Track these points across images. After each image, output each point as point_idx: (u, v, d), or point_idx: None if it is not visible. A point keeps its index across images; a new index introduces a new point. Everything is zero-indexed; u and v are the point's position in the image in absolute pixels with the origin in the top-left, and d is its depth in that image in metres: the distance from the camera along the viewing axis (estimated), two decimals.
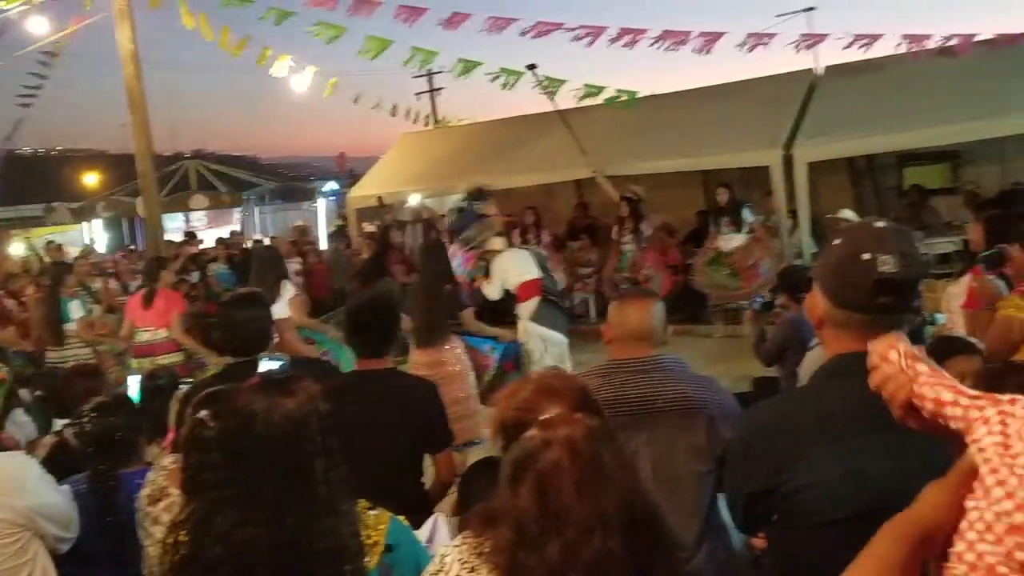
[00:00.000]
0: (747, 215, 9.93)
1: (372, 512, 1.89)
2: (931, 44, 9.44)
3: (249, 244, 14.81)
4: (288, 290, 5.92)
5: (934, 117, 9.11)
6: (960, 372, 2.89)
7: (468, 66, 10.22)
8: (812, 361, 3.40)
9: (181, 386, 4.50)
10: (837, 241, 1.76)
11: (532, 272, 7.31)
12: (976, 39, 9.44)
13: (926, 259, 9.52)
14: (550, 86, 10.63)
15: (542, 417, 1.53)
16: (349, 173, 21.25)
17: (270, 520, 1.65)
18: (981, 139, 9.44)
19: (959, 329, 4.30)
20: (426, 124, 16.75)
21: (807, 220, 9.73)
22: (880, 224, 1.74)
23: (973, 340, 3.44)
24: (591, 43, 9.39)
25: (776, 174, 9.79)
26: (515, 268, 7.33)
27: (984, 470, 1.29)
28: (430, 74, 26.29)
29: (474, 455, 4.72)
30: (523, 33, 9.48)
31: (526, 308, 7.15)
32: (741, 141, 10.08)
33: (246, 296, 3.52)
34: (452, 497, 3.15)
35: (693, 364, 2.87)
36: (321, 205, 22.42)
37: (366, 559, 1.78)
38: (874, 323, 1.68)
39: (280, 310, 5.51)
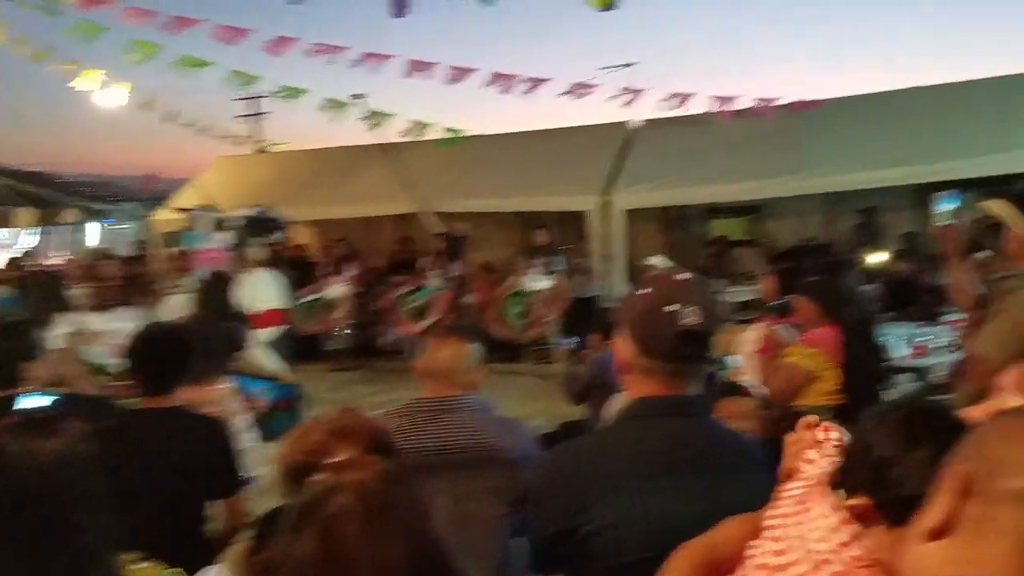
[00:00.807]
0: (558, 263, 10.19)
1: (142, 565, 1.73)
2: (738, 106, 10.10)
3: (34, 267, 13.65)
4: (63, 322, 5.44)
5: (739, 173, 9.71)
6: (730, 411, 3.13)
7: (292, 92, 9.97)
8: (618, 404, 3.47)
9: None
10: (643, 291, 1.81)
11: (278, 301, 7.19)
12: (777, 103, 10.18)
13: (727, 307, 10.11)
14: (376, 118, 10.55)
15: (332, 460, 1.47)
16: (158, 194, 20.10)
17: (27, 573, 1.50)
18: (779, 196, 10.16)
19: (750, 373, 4.49)
20: (242, 146, 16.22)
21: (622, 265, 10.07)
22: (684, 276, 1.81)
23: (750, 384, 3.66)
24: (421, 77, 9.38)
25: (594, 219, 10.10)
26: (265, 291, 7.18)
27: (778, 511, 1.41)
28: (254, 98, 25.52)
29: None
30: (355, 64, 9.34)
31: (264, 335, 7.03)
32: (562, 185, 10.37)
33: (6, 326, 3.20)
34: (240, 546, 2.95)
35: (508, 404, 2.86)
36: (94, 228, 20.91)
37: None
38: (677, 372, 1.77)
39: (56, 340, 5.07)
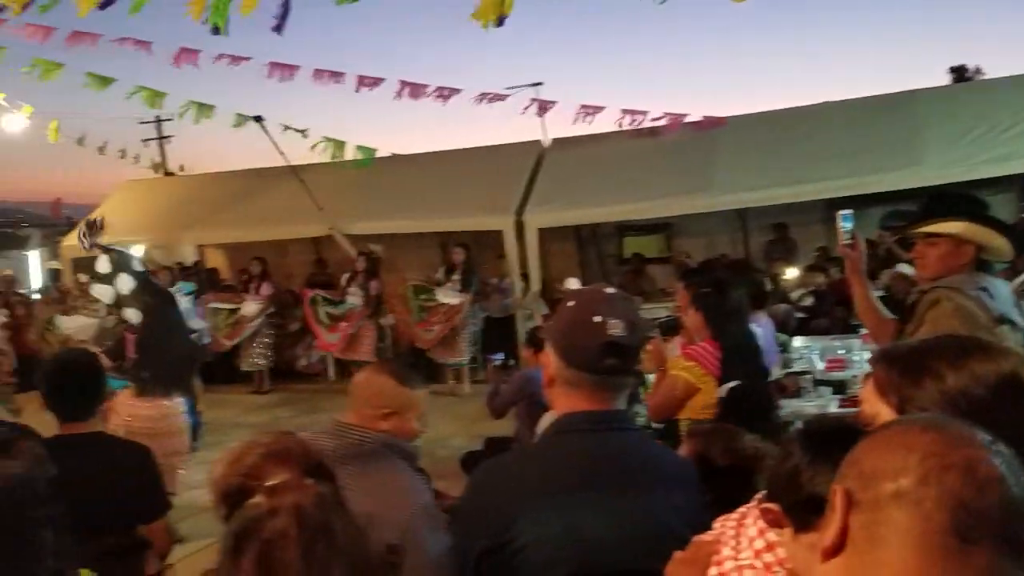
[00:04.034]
0: (471, 283, 10.24)
1: None
2: (647, 121, 10.26)
3: None
4: None
5: (649, 191, 9.87)
6: None
7: (200, 109, 9.73)
8: (549, 419, 3.48)
9: None
10: (570, 303, 1.82)
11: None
12: (685, 120, 10.39)
13: (649, 324, 10.23)
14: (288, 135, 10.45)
15: (268, 483, 1.45)
16: (67, 220, 19.46)
17: None
18: (690, 213, 10.35)
19: None
20: (155, 171, 15.84)
21: (538, 283, 10.14)
22: (610, 290, 1.82)
23: None
24: (332, 85, 9.25)
25: (509, 238, 10.17)
26: None
27: None
28: (159, 121, 24.91)
29: None
30: (272, 77, 9.14)
31: None
32: (476, 205, 10.39)
33: None
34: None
35: (428, 423, 2.67)
36: (33, 255, 20.61)
37: None
38: (601, 384, 1.76)
39: None
